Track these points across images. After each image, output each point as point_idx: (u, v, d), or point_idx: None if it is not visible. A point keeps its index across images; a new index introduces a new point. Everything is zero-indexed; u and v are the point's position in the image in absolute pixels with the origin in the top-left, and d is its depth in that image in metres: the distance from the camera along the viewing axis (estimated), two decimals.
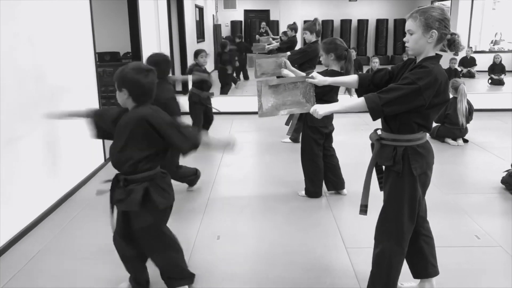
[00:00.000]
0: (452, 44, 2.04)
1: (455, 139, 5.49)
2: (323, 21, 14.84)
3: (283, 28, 9.77)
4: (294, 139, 5.47)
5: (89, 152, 4.43)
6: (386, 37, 15.52)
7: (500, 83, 10.15)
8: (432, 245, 2.33)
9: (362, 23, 15.50)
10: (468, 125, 5.52)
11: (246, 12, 16.03)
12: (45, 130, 3.53)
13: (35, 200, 3.38)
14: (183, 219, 3.39)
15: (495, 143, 5.50)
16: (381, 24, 15.47)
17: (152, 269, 2.44)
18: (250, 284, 2.58)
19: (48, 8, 3.63)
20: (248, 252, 2.95)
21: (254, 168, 4.85)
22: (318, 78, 2.39)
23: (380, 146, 2.17)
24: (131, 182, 2.18)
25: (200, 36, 11.83)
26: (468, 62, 11.28)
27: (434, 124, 5.52)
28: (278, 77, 3.21)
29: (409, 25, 2.03)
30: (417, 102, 1.96)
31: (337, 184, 3.83)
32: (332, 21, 15.47)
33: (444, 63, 7.53)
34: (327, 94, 3.37)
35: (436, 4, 2.15)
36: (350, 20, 15.53)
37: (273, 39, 9.64)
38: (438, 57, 2.05)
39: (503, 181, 3.98)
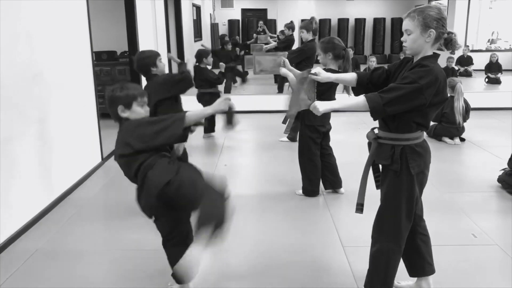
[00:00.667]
0: (449, 43, 2.04)
1: (452, 138, 5.51)
2: (320, 20, 14.84)
3: (280, 27, 9.77)
4: (292, 138, 5.48)
5: (86, 152, 4.43)
6: (383, 36, 15.54)
7: (497, 82, 10.18)
8: (428, 244, 2.33)
9: (360, 22, 15.51)
10: (465, 124, 5.53)
11: (244, 11, 16.02)
12: (42, 129, 3.52)
13: (32, 199, 3.37)
14: None
15: (492, 142, 5.52)
16: (378, 23, 15.49)
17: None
18: (247, 282, 2.58)
19: (46, 7, 3.62)
20: (246, 250, 2.95)
21: (252, 167, 4.86)
22: (322, 75, 2.38)
23: (378, 145, 2.17)
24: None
25: (198, 35, 11.82)
26: (465, 61, 11.30)
27: (432, 123, 5.54)
28: (275, 75, 3.22)
29: (406, 24, 2.03)
30: (418, 101, 1.97)
31: (334, 183, 3.84)
32: (330, 20, 15.47)
33: (441, 62, 7.54)
34: (325, 93, 3.37)
35: (433, 3, 2.14)
36: (348, 19, 15.54)
37: (271, 37, 9.65)
38: (436, 56, 2.06)
39: (500, 179, 3.99)
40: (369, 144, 2.23)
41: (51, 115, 3.69)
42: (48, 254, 2.94)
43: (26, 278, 2.66)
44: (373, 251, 2.24)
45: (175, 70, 8.25)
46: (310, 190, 3.79)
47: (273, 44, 7.83)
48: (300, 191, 3.85)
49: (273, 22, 14.20)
